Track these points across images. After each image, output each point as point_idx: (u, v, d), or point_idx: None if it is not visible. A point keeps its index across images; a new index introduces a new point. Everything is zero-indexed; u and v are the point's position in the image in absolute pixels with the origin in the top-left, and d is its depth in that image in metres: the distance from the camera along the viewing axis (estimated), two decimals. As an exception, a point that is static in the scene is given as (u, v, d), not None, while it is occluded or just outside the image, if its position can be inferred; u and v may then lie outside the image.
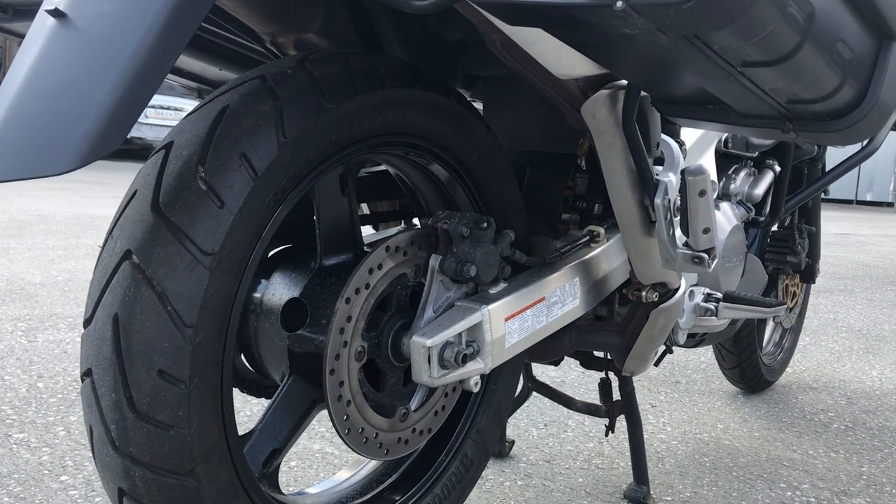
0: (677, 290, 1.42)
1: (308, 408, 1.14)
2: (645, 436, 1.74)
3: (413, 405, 1.20)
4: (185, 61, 1.41)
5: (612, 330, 1.44)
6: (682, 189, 1.21)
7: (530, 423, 2.13)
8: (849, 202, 17.79)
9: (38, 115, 0.77)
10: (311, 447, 1.84)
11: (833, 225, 10.29)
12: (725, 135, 1.74)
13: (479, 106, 1.46)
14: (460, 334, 1.13)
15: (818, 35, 0.82)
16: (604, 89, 1.17)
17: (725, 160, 1.81)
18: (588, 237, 1.35)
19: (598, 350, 1.55)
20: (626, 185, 1.25)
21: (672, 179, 1.25)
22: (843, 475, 1.95)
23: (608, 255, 1.38)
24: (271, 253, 1.19)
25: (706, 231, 1.23)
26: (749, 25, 0.76)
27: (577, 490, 1.74)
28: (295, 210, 1.03)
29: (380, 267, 1.11)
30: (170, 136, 0.93)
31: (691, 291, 1.58)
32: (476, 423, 1.35)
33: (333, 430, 1.10)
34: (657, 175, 1.26)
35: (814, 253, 2.45)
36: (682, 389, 2.56)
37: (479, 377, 1.18)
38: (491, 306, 1.16)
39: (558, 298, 1.28)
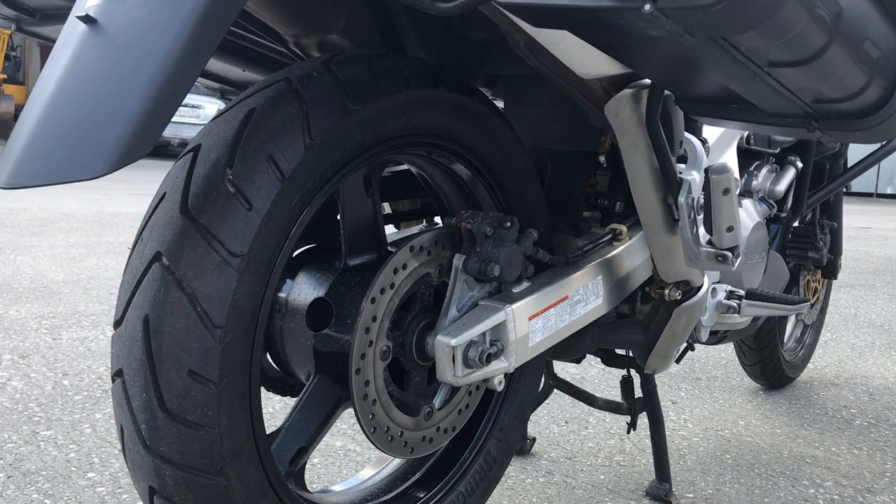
0: (700, 287, 1.42)
1: (334, 406, 1.15)
2: (666, 432, 1.74)
3: (437, 404, 1.21)
4: (209, 62, 1.42)
5: (635, 328, 1.44)
6: (706, 187, 1.21)
7: (551, 421, 2.13)
8: (869, 195, 17.61)
9: (69, 121, 0.78)
10: (334, 444, 1.85)
11: (853, 219, 10.20)
12: (747, 131, 1.74)
13: (500, 104, 1.46)
14: (484, 333, 1.14)
15: (846, 35, 0.82)
16: (627, 88, 1.17)
17: (747, 157, 1.80)
18: (610, 235, 1.35)
19: (620, 348, 1.55)
20: (650, 184, 1.25)
21: (695, 178, 1.25)
22: (866, 472, 1.94)
23: (631, 254, 1.38)
24: (296, 253, 1.20)
25: (730, 229, 1.23)
26: (777, 26, 0.75)
27: (599, 487, 1.75)
28: (319, 210, 1.04)
29: (404, 267, 1.12)
30: (198, 138, 0.94)
31: (714, 289, 1.58)
32: (499, 421, 1.36)
33: (356, 427, 1.12)
34: (680, 173, 1.26)
35: (835, 248, 2.43)
36: (702, 386, 2.55)
37: (502, 376, 1.18)
38: (514, 305, 1.16)
39: (581, 297, 1.29)
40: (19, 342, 2.53)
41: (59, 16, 1.29)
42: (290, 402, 1.82)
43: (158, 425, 0.89)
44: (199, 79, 1.54)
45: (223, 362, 0.90)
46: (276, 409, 2.04)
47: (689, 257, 1.28)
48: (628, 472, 1.83)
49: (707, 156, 1.37)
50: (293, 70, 0.98)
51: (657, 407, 1.69)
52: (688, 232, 1.25)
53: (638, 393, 1.69)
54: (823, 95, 0.94)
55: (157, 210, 0.91)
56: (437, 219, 1.48)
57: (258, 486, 0.97)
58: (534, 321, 1.19)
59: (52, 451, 1.74)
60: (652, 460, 1.72)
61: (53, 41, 1.09)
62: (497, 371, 1.16)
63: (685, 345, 1.61)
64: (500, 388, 1.20)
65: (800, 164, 1.90)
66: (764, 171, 1.82)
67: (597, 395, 1.78)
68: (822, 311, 2.69)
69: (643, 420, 1.70)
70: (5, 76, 15.13)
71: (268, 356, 1.19)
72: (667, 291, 1.40)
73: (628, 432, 1.70)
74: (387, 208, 1.45)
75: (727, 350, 2.97)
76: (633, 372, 1.66)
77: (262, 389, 1.20)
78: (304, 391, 1.13)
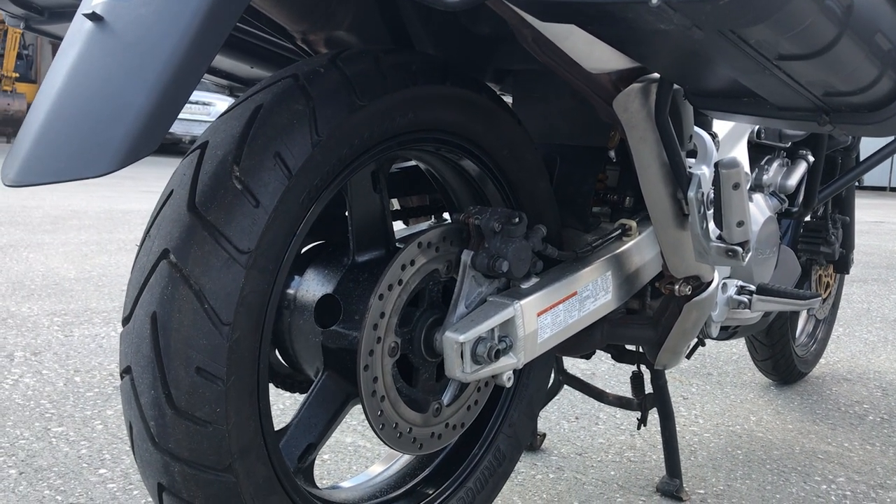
0: (710, 283, 1.41)
1: (342, 403, 1.15)
2: (677, 428, 1.73)
3: (446, 400, 1.21)
4: (217, 59, 1.42)
5: (645, 324, 1.44)
6: (716, 182, 1.20)
7: (561, 416, 2.12)
8: (882, 189, 17.49)
9: (76, 119, 0.78)
10: (344, 440, 1.85)
11: (866, 213, 10.14)
12: (758, 125, 1.72)
13: (508, 100, 1.46)
14: (493, 329, 1.13)
15: (856, 27, 0.81)
16: (636, 83, 1.16)
17: (758, 151, 1.79)
18: (620, 230, 1.35)
19: (630, 344, 1.54)
20: (659, 179, 1.24)
21: (705, 172, 1.24)
22: (879, 468, 1.93)
23: (640, 249, 1.37)
24: (304, 249, 1.20)
25: (740, 224, 1.22)
26: (786, 19, 0.75)
27: (610, 483, 1.74)
28: (327, 206, 1.04)
29: (412, 263, 1.11)
30: (205, 135, 0.94)
31: (724, 284, 1.57)
32: (509, 417, 1.36)
33: (365, 424, 1.12)
34: (690, 168, 1.25)
35: (847, 243, 2.41)
36: (713, 381, 2.54)
37: (511, 372, 1.18)
38: (523, 301, 1.16)
39: (590, 293, 1.28)
40: (31, 339, 2.54)
41: (68, 14, 1.29)
42: (301, 398, 1.82)
43: (167, 422, 0.89)
44: (208, 76, 1.54)
45: (231, 359, 0.90)
46: (286, 405, 2.04)
47: (699, 252, 1.27)
48: (639, 468, 1.83)
49: (717, 150, 1.36)
50: (300, 66, 0.98)
51: (668, 403, 1.68)
52: (698, 227, 1.24)
53: (648, 389, 1.68)
54: (834, 88, 0.93)
55: (164, 207, 0.91)
56: (446, 215, 1.48)
57: (267, 483, 0.98)
58: (543, 317, 1.19)
59: (64, 448, 1.75)
60: (662, 456, 1.71)
61: (62, 39, 1.09)
62: (506, 367, 1.15)
63: (696, 340, 1.60)
64: (508, 385, 1.19)
65: (811, 158, 1.89)
66: (775, 165, 1.81)
67: (607, 390, 1.77)
68: (835, 306, 2.67)
69: (654, 416, 1.69)
70: (17, 75, 15.20)
71: (276, 353, 1.19)
72: (677, 287, 1.39)
73: (639, 428, 1.69)
74: (395, 204, 1.45)
75: (738, 345, 2.96)
76: (643, 368, 1.65)
77: (271, 386, 1.20)
78: (312, 388, 1.13)
